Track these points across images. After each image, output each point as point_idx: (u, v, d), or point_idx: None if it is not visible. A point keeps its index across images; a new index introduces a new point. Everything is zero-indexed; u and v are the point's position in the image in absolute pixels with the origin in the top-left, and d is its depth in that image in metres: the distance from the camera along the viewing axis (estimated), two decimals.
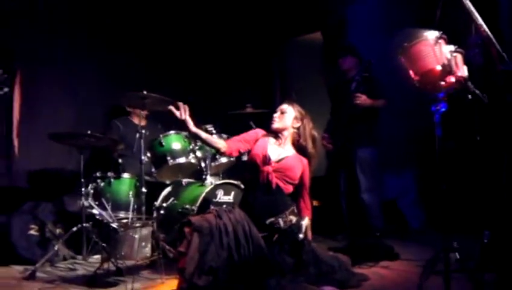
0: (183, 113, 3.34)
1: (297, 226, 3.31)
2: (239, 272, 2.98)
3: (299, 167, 3.51)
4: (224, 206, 3.62)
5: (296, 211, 3.48)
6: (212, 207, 3.84)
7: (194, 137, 3.63)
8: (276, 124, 3.58)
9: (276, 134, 3.61)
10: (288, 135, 3.60)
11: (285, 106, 3.63)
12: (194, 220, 3.09)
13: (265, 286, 2.96)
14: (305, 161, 3.55)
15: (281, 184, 3.43)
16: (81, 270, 4.03)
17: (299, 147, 3.57)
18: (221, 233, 3.05)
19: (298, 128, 3.59)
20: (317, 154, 3.64)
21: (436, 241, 3.05)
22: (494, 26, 3.91)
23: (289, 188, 3.48)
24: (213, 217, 3.13)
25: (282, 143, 3.58)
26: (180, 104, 3.35)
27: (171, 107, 3.33)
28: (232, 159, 4.63)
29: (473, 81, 2.94)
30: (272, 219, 3.32)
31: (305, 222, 3.39)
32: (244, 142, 3.59)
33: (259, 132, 3.67)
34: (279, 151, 3.54)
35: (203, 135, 3.50)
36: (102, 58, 5.54)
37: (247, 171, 3.69)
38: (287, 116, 3.58)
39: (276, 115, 3.60)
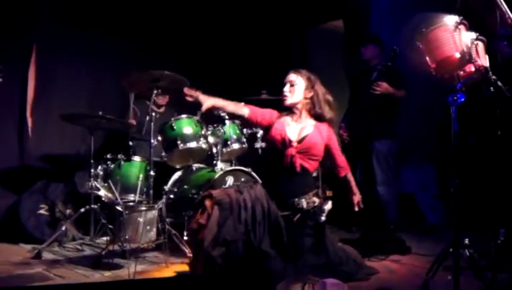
0: (192, 94, 3.38)
1: (320, 208, 3.28)
2: (250, 249, 2.94)
3: (323, 139, 3.43)
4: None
5: (320, 193, 3.42)
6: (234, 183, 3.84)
7: (210, 113, 3.58)
8: (289, 100, 3.45)
9: (290, 109, 3.48)
10: (302, 107, 3.47)
11: (293, 77, 3.46)
12: (215, 193, 3.08)
13: (267, 269, 2.90)
14: (325, 128, 3.46)
15: (306, 165, 3.37)
16: (88, 251, 4.05)
17: (316, 115, 3.46)
18: (240, 208, 3.01)
19: (311, 98, 3.45)
20: (336, 116, 3.56)
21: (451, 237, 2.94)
22: None
23: (315, 165, 3.44)
24: (233, 192, 3.10)
25: (299, 117, 3.47)
26: (185, 90, 3.39)
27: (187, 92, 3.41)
28: (244, 145, 4.54)
29: (500, 74, 2.81)
30: (295, 199, 3.27)
31: (328, 206, 3.32)
32: (263, 116, 3.52)
33: (274, 113, 3.54)
34: (297, 129, 3.44)
35: (220, 103, 3.47)
36: (120, 41, 5.49)
37: (268, 156, 3.63)
38: (298, 89, 3.43)
39: (286, 89, 3.45)
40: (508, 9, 2.72)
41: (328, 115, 3.46)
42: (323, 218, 3.26)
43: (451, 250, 2.76)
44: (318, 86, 3.46)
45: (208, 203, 3.04)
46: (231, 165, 4.56)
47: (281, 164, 3.34)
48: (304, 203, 3.27)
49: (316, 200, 3.32)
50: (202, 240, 2.94)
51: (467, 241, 2.83)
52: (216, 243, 2.92)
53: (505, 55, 2.98)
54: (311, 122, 3.47)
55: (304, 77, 3.45)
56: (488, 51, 2.79)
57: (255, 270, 2.90)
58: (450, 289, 2.60)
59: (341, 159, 3.62)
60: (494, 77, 2.80)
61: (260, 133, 4.69)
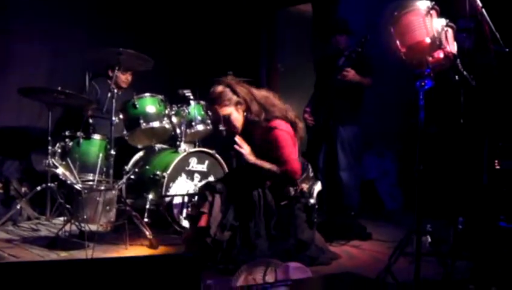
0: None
1: (309, 192, 3.37)
2: (249, 231, 3.13)
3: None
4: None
5: (309, 176, 3.46)
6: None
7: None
8: (238, 130, 3.28)
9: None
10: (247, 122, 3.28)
11: (222, 111, 3.22)
12: (215, 183, 3.26)
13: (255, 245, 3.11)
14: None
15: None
16: (43, 231, 3.93)
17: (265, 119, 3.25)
18: (239, 193, 3.18)
19: (247, 108, 3.25)
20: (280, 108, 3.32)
21: (411, 224, 2.96)
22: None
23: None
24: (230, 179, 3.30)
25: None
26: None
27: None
28: (209, 127, 4.47)
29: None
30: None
31: (317, 187, 3.41)
32: None
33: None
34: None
35: None
36: (84, 17, 5.30)
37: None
38: (233, 117, 3.25)
39: (223, 127, 3.28)
40: None
41: (276, 113, 3.25)
42: (312, 200, 3.35)
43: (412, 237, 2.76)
44: (241, 90, 3.25)
45: (208, 193, 3.18)
46: (195, 147, 4.49)
47: None
48: (291, 191, 3.29)
49: (305, 185, 3.36)
50: (207, 227, 3.11)
51: (429, 227, 2.85)
52: (224, 228, 3.12)
53: (464, 47, 3.01)
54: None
55: (227, 100, 3.22)
56: None
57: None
58: (411, 274, 2.61)
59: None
60: (460, 65, 2.82)
61: None
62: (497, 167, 3.46)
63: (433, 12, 2.57)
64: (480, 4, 2.70)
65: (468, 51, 3.20)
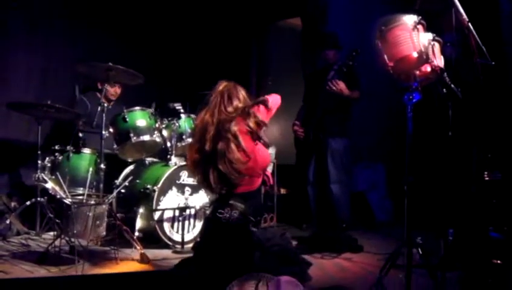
0: None
1: None
2: None
3: None
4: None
5: None
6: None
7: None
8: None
9: None
10: None
11: None
12: None
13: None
14: None
15: None
16: (33, 246, 3.89)
17: None
18: None
19: None
20: None
21: (401, 236, 2.97)
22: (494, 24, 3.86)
23: None
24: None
25: None
26: None
27: None
28: None
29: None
30: None
31: None
32: None
33: None
34: None
35: None
36: (74, 31, 5.31)
37: None
38: None
39: None
40: (463, 12, 2.77)
41: None
42: None
43: (403, 249, 2.77)
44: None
45: None
46: (185, 160, 4.48)
47: None
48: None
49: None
50: None
51: (419, 239, 2.86)
52: None
53: (450, 60, 3.04)
54: None
55: None
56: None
57: None
58: (402, 287, 2.62)
59: None
60: (447, 78, 2.85)
61: None
62: (487, 179, 3.48)
63: (419, 26, 2.60)
64: (466, 18, 2.74)
65: (454, 63, 3.24)
